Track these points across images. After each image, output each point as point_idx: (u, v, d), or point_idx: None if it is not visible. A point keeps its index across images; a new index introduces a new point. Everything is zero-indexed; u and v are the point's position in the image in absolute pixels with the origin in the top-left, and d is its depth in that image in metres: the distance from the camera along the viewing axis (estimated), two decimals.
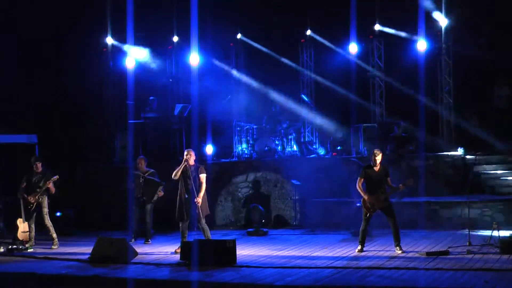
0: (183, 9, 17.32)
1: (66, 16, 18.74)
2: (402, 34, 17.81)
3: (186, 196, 11.97)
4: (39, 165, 13.57)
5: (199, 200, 11.91)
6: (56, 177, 13.46)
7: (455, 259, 10.69)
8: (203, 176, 12.10)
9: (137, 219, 14.21)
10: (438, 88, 17.69)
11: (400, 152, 16.24)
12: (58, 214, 15.88)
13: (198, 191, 11.96)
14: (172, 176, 12.03)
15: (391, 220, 11.69)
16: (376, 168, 11.78)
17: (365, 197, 11.73)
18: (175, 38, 19.71)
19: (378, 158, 11.73)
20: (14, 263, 11.98)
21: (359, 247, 11.87)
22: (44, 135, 17.58)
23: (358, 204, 12.98)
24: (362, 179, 11.83)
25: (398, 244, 11.66)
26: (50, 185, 13.45)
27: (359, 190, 11.81)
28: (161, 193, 14.15)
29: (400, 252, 11.55)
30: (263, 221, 15.46)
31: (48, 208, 13.62)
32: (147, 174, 14.13)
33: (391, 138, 16.70)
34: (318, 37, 18.98)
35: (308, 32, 19.05)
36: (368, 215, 11.82)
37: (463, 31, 17.21)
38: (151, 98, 18.54)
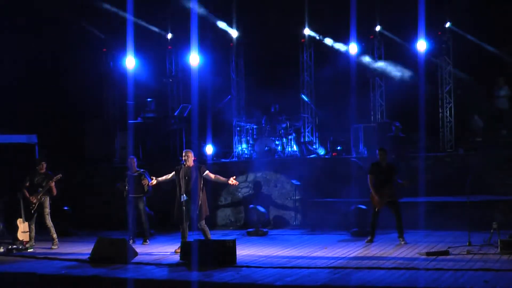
0: (184, 9, 17.31)
1: (66, 16, 18.73)
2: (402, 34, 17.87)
3: (186, 197, 11.91)
4: (44, 165, 13.60)
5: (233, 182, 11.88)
6: (59, 175, 13.48)
7: (455, 259, 10.70)
8: (208, 172, 12.08)
9: (133, 218, 14.20)
10: (438, 87, 17.69)
11: (400, 152, 16.23)
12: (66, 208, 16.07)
13: (202, 190, 11.93)
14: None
15: (396, 215, 12.57)
16: (383, 165, 12.65)
17: (374, 193, 12.53)
18: (175, 38, 19.70)
19: (383, 155, 12.66)
20: (14, 263, 11.97)
21: (369, 238, 12.76)
22: (44, 135, 17.56)
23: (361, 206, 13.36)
24: (373, 175, 12.61)
25: (401, 235, 12.56)
26: (53, 186, 13.46)
27: (370, 186, 12.62)
28: (145, 181, 13.77)
29: (403, 243, 12.36)
30: (263, 221, 15.46)
31: (50, 209, 13.63)
32: (136, 173, 14.12)
33: (388, 138, 16.70)
34: (318, 37, 18.99)
35: (308, 32, 19.05)
36: (376, 209, 12.63)
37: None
38: (148, 100, 18.55)
